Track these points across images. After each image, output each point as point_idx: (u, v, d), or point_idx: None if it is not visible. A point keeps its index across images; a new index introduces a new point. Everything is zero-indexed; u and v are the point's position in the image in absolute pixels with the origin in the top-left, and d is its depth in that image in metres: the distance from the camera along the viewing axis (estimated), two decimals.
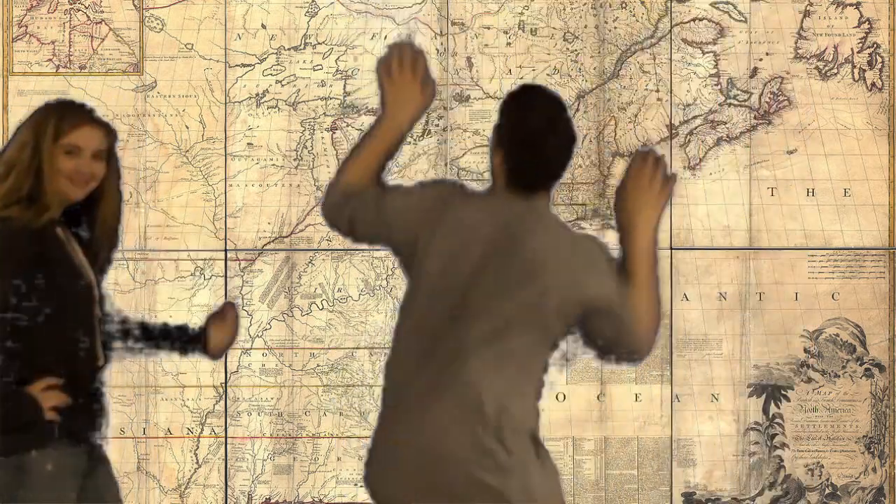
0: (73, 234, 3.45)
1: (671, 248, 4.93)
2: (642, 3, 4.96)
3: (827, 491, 4.96)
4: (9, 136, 3.43)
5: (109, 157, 3.45)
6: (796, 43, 4.97)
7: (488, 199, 3.37)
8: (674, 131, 4.95)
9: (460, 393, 3.20)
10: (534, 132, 3.34)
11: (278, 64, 4.93)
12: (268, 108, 4.94)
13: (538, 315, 3.24)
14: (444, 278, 3.30)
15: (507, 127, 3.36)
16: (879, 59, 4.96)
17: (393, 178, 4.77)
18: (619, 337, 3.29)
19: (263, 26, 4.94)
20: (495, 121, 3.39)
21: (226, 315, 3.69)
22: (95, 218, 3.47)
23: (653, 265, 3.37)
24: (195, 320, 4.87)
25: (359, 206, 3.41)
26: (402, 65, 3.45)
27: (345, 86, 4.93)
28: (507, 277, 3.27)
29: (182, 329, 3.66)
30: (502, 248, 3.30)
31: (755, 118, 4.96)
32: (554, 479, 3.27)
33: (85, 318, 3.39)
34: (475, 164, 4.94)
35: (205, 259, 4.92)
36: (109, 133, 3.45)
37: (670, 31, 4.96)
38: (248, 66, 4.94)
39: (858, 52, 4.96)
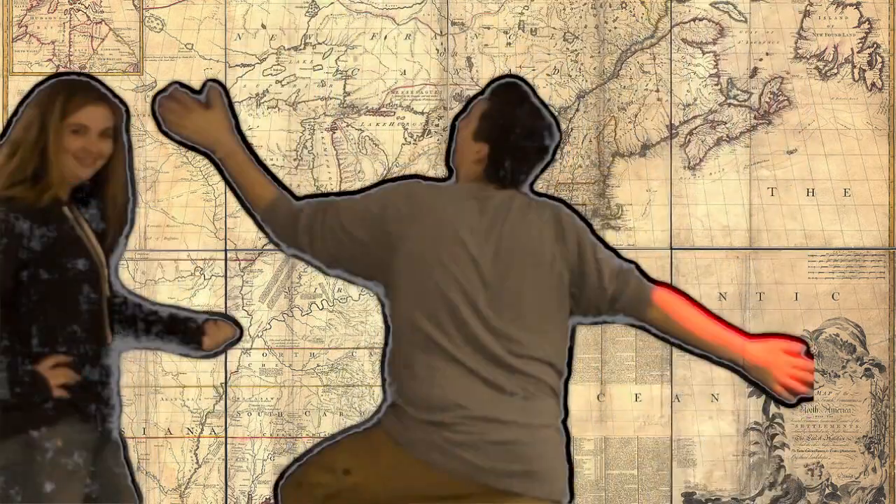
0: (82, 215, 3.45)
1: (671, 248, 4.93)
2: (642, 3, 4.96)
3: (827, 491, 4.96)
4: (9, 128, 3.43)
5: (117, 134, 3.45)
6: (796, 43, 4.97)
7: (463, 191, 3.41)
8: (674, 131, 4.95)
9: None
10: (531, 134, 3.37)
11: (278, 64, 4.93)
12: (268, 108, 4.94)
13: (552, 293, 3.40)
14: (443, 273, 3.33)
15: (500, 123, 3.38)
16: (879, 59, 4.96)
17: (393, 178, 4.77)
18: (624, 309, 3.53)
19: (263, 26, 4.94)
20: (481, 109, 3.41)
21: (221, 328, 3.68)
22: (104, 197, 3.48)
23: (715, 341, 3.49)
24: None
25: (315, 217, 3.47)
26: (181, 107, 3.55)
27: (345, 86, 4.93)
28: (507, 267, 3.33)
29: (184, 326, 3.65)
30: (495, 242, 3.34)
31: (755, 118, 4.96)
32: None
33: (91, 296, 3.39)
34: None
35: (205, 259, 4.92)
36: (117, 111, 3.44)
37: (670, 31, 4.96)
38: (248, 66, 4.94)
39: (858, 52, 4.96)
